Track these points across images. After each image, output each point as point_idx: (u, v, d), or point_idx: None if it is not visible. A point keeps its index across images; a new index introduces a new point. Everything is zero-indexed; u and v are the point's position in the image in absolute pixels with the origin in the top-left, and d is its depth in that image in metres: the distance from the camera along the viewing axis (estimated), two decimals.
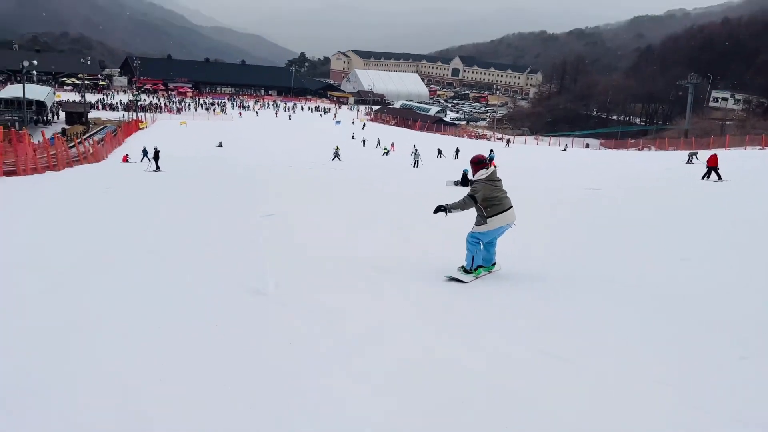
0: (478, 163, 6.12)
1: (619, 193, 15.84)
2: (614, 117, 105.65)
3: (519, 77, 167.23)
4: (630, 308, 5.09)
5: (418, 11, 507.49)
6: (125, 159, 31.55)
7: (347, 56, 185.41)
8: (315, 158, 34.88)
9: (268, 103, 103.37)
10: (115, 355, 3.78)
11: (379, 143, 52.16)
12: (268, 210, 10.79)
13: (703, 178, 20.12)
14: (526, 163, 33.46)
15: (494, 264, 6.24)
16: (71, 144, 31.92)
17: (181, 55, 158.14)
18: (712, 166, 19.98)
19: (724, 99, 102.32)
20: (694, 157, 33.22)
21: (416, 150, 34.04)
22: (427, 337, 4.32)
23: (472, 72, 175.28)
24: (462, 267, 6.08)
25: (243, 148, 41.77)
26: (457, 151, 41.12)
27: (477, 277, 6.02)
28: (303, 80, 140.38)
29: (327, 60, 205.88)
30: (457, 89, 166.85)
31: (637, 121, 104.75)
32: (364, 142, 55.26)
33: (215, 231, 8.79)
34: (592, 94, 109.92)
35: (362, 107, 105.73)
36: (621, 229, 9.98)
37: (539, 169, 30.59)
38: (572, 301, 5.35)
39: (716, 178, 19.87)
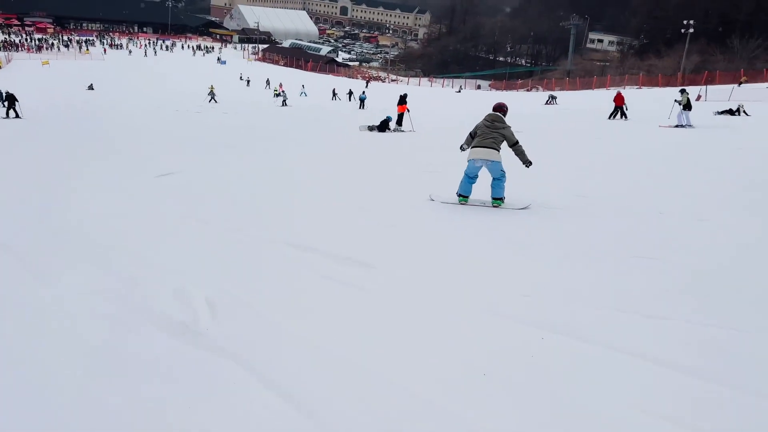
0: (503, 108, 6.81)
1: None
2: (501, 59, 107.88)
3: (408, 17, 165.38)
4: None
5: None
6: None
7: None
8: (203, 102, 32.17)
9: (143, 42, 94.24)
10: None
11: (268, 84, 49.96)
12: (162, 167, 9.20)
13: (610, 117, 20.43)
14: (426, 105, 32.83)
15: (466, 198, 6.87)
16: None
17: None
18: (619, 105, 20.28)
19: (600, 41, 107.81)
20: (552, 99, 37.31)
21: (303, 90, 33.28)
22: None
23: (361, 11, 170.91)
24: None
25: (118, 91, 37.65)
26: (350, 93, 41.07)
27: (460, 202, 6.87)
28: (181, 16, 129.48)
29: None
30: (347, 29, 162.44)
31: (523, 62, 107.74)
32: (248, 81, 52.07)
33: (100, 199, 7.17)
34: (480, 35, 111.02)
35: (249, 46, 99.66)
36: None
37: (442, 112, 30.07)
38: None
39: (621, 116, 20.27)
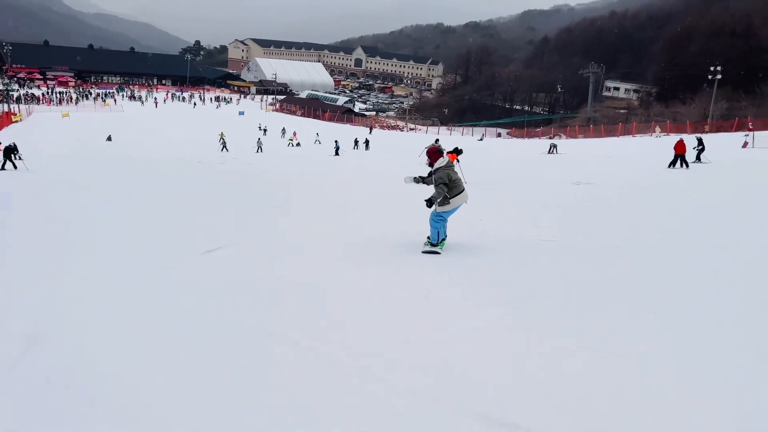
0: (437, 152, 6.99)
1: (612, 192, 13.84)
2: (518, 107, 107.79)
3: (421, 68, 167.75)
4: None
5: (315, 2, 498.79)
6: None
7: (246, 45, 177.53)
8: (222, 152, 31.15)
9: (161, 94, 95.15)
10: None
11: (284, 132, 50.50)
12: (205, 237, 7.66)
13: (670, 166, 18.86)
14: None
15: (445, 237, 7.17)
16: None
17: (61, 44, 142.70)
18: (680, 153, 18.73)
19: (616, 88, 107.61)
20: (554, 148, 33.56)
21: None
22: None
23: (375, 63, 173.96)
24: (428, 240, 7.12)
25: (137, 142, 36.88)
26: (367, 142, 40.82)
27: (442, 249, 6.99)
28: (200, 69, 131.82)
29: (224, 48, 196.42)
30: (361, 80, 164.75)
31: (539, 110, 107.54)
32: (264, 131, 51.73)
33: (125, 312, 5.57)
34: (496, 84, 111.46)
35: (267, 97, 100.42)
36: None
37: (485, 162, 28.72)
38: None
39: (682, 165, 18.69)
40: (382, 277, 6.00)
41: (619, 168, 20.64)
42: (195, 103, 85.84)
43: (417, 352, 4.05)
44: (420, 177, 16.68)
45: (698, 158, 20.53)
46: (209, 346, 4.17)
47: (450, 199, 6.81)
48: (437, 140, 18.35)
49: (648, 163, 21.35)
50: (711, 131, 46.68)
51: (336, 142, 35.74)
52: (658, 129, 48.66)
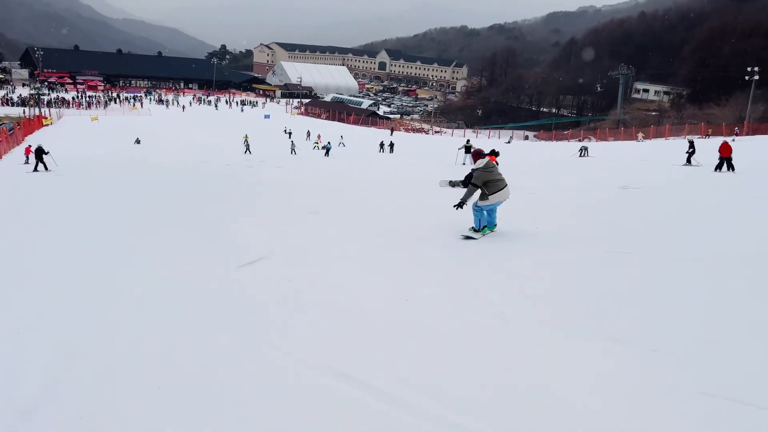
0: (477, 154, 7.78)
1: (666, 195, 13.12)
2: (545, 109, 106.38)
3: (445, 71, 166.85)
4: None
5: (339, 6, 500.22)
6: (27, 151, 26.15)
7: (271, 49, 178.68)
8: (246, 155, 30.94)
9: (188, 98, 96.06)
10: None
11: (309, 135, 50.36)
12: (243, 248, 7.19)
13: (716, 170, 17.99)
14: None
15: (495, 226, 7.86)
16: None
17: (90, 49, 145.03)
18: (726, 156, 17.84)
19: (646, 90, 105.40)
20: (584, 151, 31.82)
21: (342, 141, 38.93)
22: None
23: (399, 66, 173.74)
24: (472, 227, 7.74)
25: (165, 145, 36.94)
26: (392, 145, 39.64)
27: (484, 235, 7.66)
28: (226, 73, 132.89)
29: (249, 53, 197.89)
30: (385, 83, 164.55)
31: (566, 113, 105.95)
32: (290, 134, 51.53)
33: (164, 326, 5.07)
34: (522, 87, 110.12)
35: (292, 101, 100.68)
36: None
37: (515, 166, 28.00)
38: None
39: (729, 168, 17.81)
40: (449, 298, 5.49)
41: (658, 170, 19.84)
42: (217, 106, 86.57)
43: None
44: (456, 181, 16.53)
45: (689, 161, 21.19)
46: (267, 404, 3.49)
47: (489, 196, 7.40)
48: (468, 141, 17.76)
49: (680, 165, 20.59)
50: (746, 134, 45.27)
51: (329, 142, 35.61)
52: (641, 135, 48.00)
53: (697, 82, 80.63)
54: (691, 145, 21.82)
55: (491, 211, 7.71)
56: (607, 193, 13.31)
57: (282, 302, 5.19)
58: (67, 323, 4.67)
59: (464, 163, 24.81)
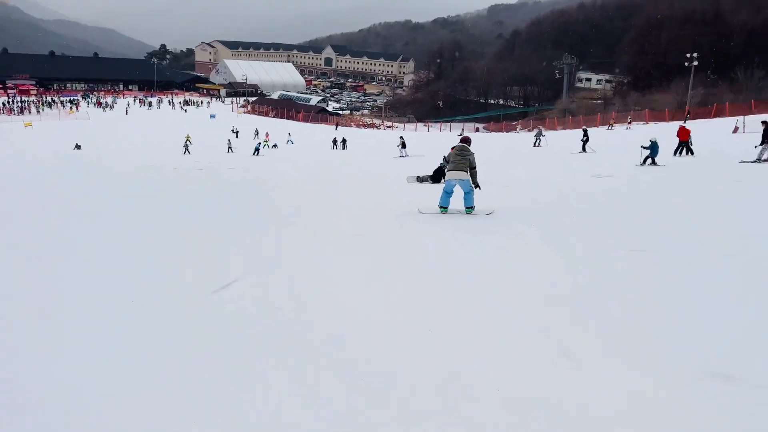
0: (466, 141, 9.23)
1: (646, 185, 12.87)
2: (492, 101, 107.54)
3: (392, 65, 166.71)
4: None
5: (280, 3, 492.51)
6: None
7: (213, 47, 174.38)
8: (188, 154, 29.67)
9: (128, 99, 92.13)
10: None
11: (257, 134, 48.71)
12: (214, 269, 6.19)
13: (675, 153, 18.05)
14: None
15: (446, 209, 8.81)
16: None
17: (21, 52, 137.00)
18: (684, 140, 17.92)
19: (588, 79, 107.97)
20: (539, 139, 30.73)
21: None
22: None
23: (345, 61, 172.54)
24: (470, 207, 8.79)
25: (107, 149, 34.98)
26: (344, 141, 39.25)
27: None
28: (167, 73, 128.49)
29: (191, 52, 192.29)
30: (332, 79, 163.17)
31: (513, 104, 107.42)
32: (237, 133, 50.03)
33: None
34: (469, 79, 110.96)
35: (238, 99, 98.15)
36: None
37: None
38: None
39: (687, 153, 17.90)
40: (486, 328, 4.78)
41: (619, 158, 19.82)
42: (151, 105, 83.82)
43: None
44: (424, 176, 16.53)
45: (583, 149, 23.33)
46: None
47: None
48: (401, 137, 17.14)
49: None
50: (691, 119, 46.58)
51: (259, 143, 35.33)
52: (519, 126, 50.59)
53: (638, 70, 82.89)
54: (585, 133, 24.24)
55: (445, 190, 8.73)
56: (587, 185, 12.91)
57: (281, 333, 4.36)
58: None
59: (402, 156, 26.80)
